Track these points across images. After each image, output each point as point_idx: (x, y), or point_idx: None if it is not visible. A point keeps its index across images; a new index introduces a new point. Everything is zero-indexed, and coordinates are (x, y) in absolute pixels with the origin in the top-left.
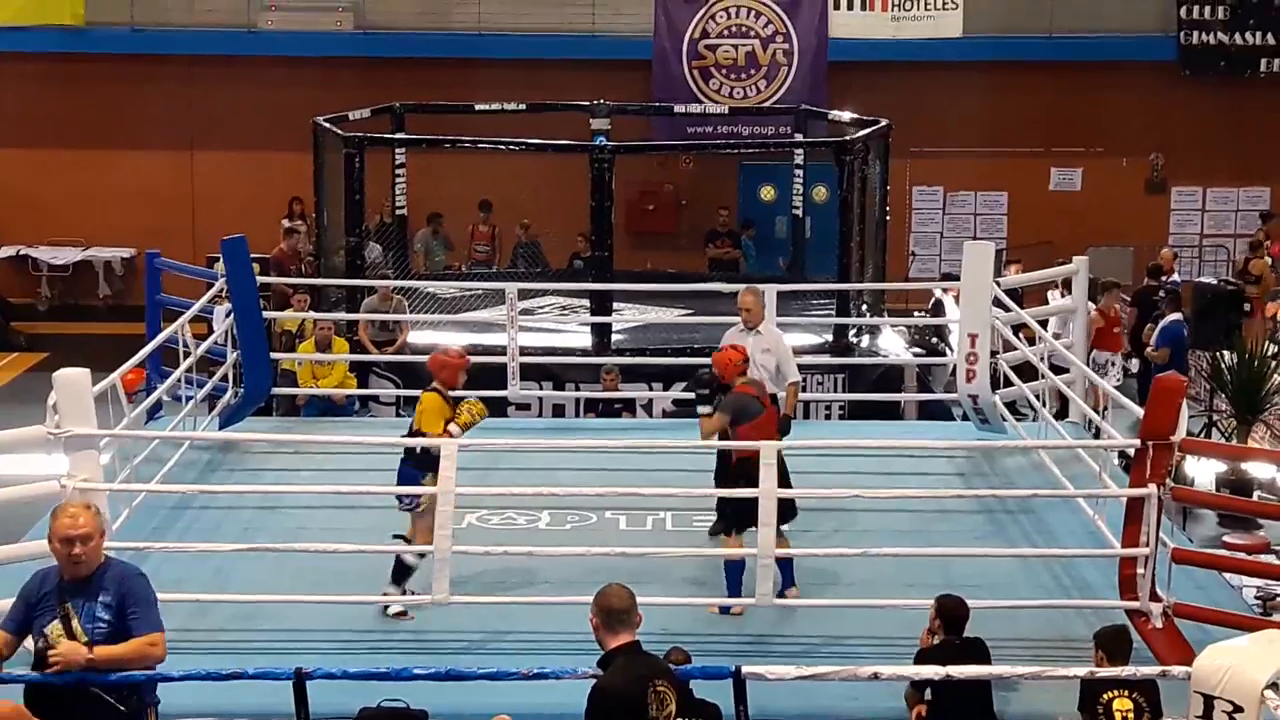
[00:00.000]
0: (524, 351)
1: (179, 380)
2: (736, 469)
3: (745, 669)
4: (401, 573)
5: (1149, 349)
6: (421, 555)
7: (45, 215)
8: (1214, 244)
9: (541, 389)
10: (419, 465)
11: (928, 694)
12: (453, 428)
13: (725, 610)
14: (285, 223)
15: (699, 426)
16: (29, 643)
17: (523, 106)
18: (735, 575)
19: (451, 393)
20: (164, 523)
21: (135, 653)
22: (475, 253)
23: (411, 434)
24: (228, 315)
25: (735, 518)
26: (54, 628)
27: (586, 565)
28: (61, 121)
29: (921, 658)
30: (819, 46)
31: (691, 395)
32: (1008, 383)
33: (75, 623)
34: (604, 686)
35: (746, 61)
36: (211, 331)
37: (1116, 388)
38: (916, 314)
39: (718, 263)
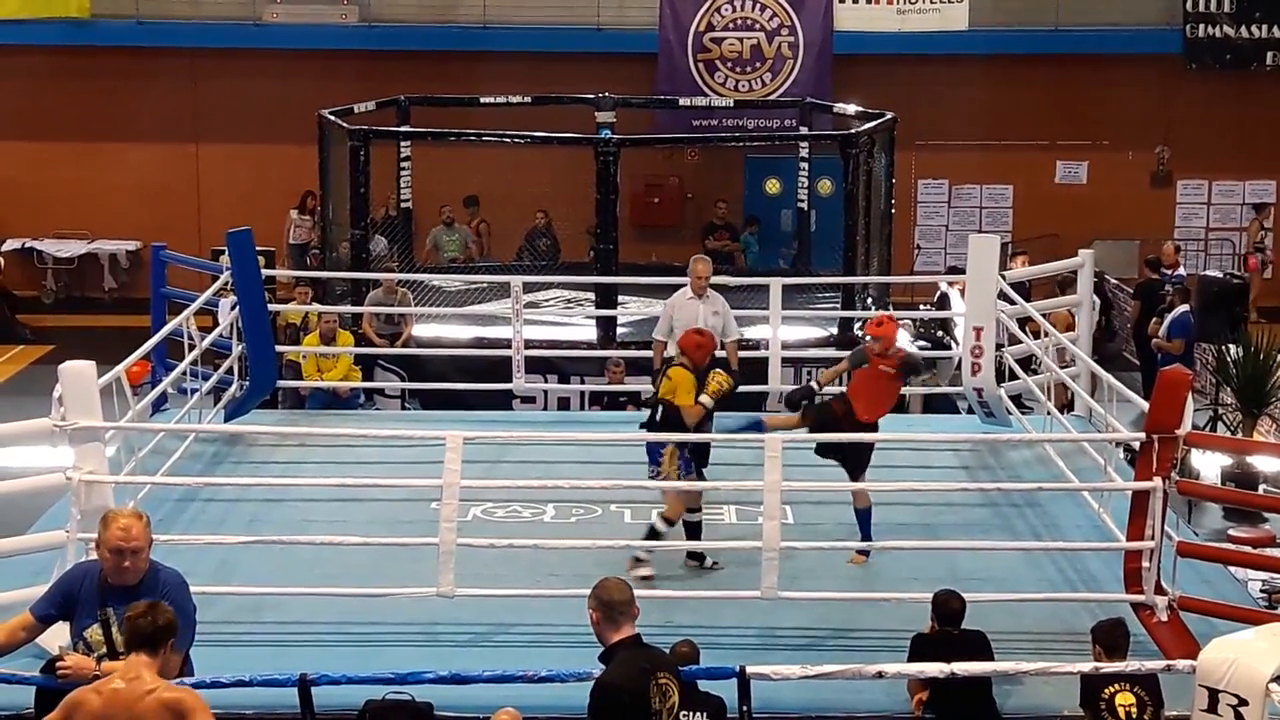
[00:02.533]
0: (529, 344)
1: (184, 373)
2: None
3: (750, 669)
4: (653, 534)
5: (1158, 340)
6: (670, 524)
7: (50, 208)
8: (1219, 237)
9: (547, 382)
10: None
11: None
12: (704, 399)
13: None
14: (293, 214)
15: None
16: (51, 641)
17: (528, 99)
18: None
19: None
20: (169, 515)
21: None
22: (466, 247)
23: (653, 406)
24: (233, 308)
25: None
26: (94, 632)
27: (592, 558)
28: (66, 114)
29: (916, 646)
30: (824, 39)
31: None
32: (1013, 376)
33: (115, 629)
34: (607, 681)
35: (751, 54)
36: (216, 324)
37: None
38: (922, 307)
39: (715, 255)
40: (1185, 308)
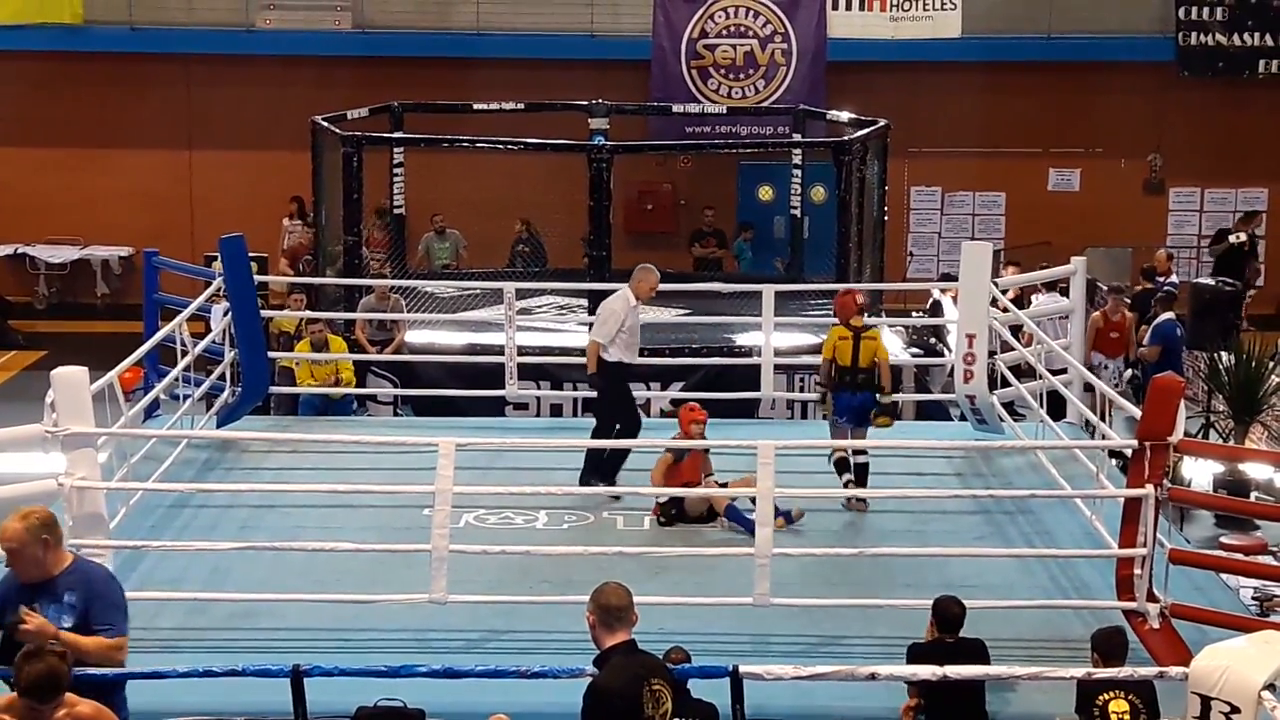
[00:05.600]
0: (522, 351)
1: (176, 379)
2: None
3: (742, 668)
4: (860, 474)
5: (1141, 348)
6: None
7: (43, 214)
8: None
9: (539, 388)
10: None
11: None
12: None
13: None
14: (286, 221)
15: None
16: None
17: (521, 106)
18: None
19: None
20: (161, 521)
21: (98, 650)
22: (373, 260)
23: (868, 369)
24: (225, 314)
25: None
26: None
27: (584, 564)
28: (60, 120)
29: (912, 654)
30: (817, 46)
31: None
32: (1005, 383)
33: None
34: (600, 685)
35: (745, 61)
36: (209, 330)
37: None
38: (914, 314)
39: (703, 262)
40: (1169, 315)
